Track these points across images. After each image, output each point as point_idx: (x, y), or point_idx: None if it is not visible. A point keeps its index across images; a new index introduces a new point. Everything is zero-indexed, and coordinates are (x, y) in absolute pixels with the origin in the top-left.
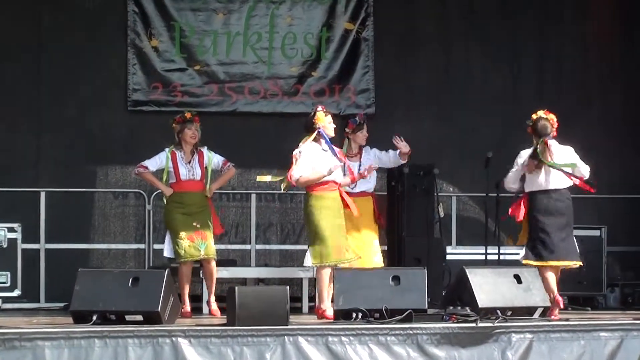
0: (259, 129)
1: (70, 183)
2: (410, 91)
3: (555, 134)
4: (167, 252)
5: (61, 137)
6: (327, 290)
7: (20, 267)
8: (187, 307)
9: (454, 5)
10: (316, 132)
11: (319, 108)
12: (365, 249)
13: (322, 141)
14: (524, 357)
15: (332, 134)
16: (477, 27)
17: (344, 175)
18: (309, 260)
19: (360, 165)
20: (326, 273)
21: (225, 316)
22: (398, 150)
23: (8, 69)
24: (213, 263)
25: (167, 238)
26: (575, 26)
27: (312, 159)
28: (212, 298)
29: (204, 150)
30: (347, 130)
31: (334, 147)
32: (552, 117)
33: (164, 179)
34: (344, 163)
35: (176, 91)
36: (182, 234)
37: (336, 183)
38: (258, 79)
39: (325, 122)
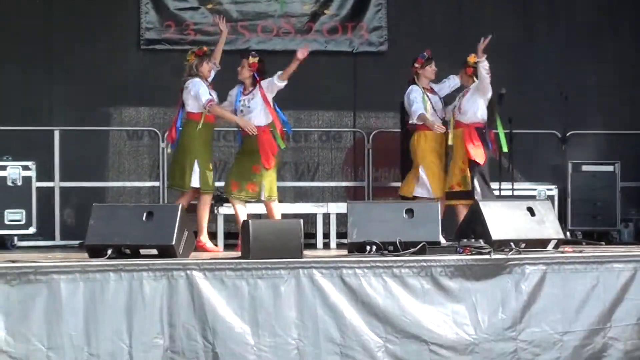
0: (272, 67)
1: (84, 123)
2: (423, 29)
3: None
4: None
5: (75, 76)
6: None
7: (35, 205)
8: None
9: None
10: None
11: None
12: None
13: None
14: (538, 288)
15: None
16: None
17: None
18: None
19: (440, 99)
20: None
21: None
22: (451, 76)
23: (17, 10)
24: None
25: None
26: None
27: None
28: None
29: None
30: (416, 65)
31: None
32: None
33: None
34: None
35: (189, 30)
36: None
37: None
38: (271, 17)
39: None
